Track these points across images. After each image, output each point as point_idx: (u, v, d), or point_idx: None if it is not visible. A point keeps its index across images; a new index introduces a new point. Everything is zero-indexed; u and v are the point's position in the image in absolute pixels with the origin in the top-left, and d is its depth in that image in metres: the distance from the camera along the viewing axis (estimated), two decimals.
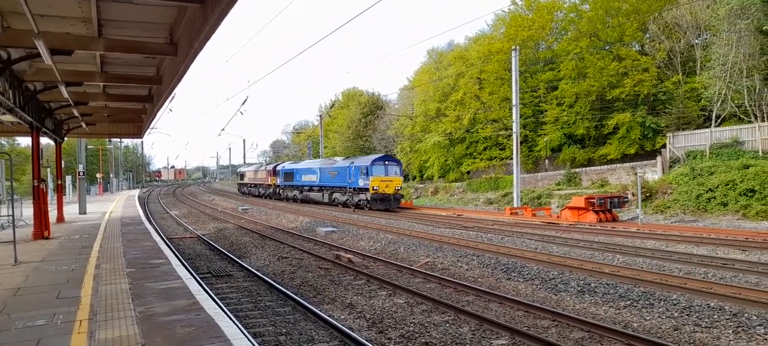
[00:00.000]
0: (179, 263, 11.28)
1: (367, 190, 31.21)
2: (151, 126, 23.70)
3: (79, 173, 28.42)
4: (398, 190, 31.79)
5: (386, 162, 32.11)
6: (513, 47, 30.83)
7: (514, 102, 29.78)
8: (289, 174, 43.62)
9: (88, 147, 55.18)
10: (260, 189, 52.32)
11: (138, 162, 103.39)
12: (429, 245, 16.69)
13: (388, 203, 31.12)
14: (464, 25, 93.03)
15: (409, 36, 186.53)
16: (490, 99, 41.73)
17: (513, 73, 29.75)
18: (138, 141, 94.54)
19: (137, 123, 22.54)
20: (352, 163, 33.48)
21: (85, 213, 26.15)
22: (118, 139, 65.12)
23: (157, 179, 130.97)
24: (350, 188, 33.30)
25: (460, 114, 44.15)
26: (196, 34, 7.79)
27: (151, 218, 29.19)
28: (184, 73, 10.31)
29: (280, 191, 45.79)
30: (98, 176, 59.51)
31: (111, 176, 65.51)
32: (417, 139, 50.08)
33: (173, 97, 22.59)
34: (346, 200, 34.05)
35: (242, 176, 62.00)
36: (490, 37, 45.84)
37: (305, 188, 40.54)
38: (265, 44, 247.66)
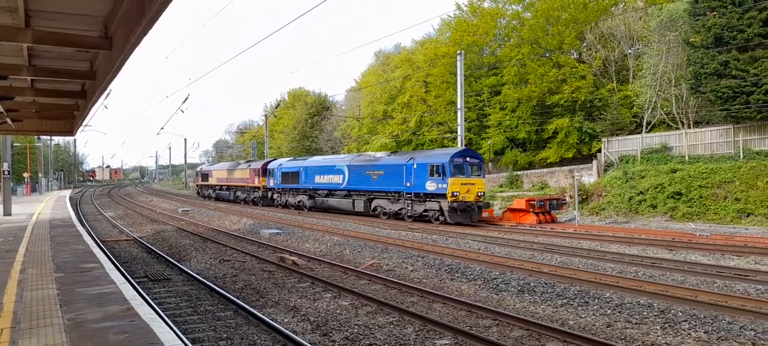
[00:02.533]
0: (113, 266, 10.79)
1: (440, 197, 23.18)
2: (84, 123, 22.57)
3: (3, 172, 26.68)
4: (480, 196, 23.70)
5: (467, 158, 23.94)
6: (458, 52, 31.39)
7: (459, 105, 30.31)
8: (292, 174, 34.44)
9: (15, 144, 51.93)
10: (239, 193, 42.61)
11: (70, 161, 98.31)
12: (374, 247, 16.71)
13: (470, 214, 23.14)
14: (411, 28, 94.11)
15: (355, 37, 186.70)
16: (436, 102, 42.31)
17: (458, 77, 30.29)
18: (70, 139, 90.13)
19: (69, 120, 21.41)
20: (412, 159, 24.77)
21: (10, 215, 24.63)
22: (48, 137, 61.78)
23: (92, 178, 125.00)
24: (408, 194, 24.84)
25: (407, 116, 44.54)
26: (133, 28, 7.47)
27: (83, 219, 27.80)
28: (120, 68, 9.87)
29: (275, 195, 36.70)
30: (25, 175, 56.07)
31: (40, 175, 61.94)
32: (364, 141, 50.13)
33: (109, 93, 21.63)
34: (400, 209, 25.59)
35: (206, 175, 50.81)
36: (436, 41, 46.50)
37: (321, 192, 31.54)
38: (208, 41, 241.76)
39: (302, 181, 33.16)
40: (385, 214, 26.67)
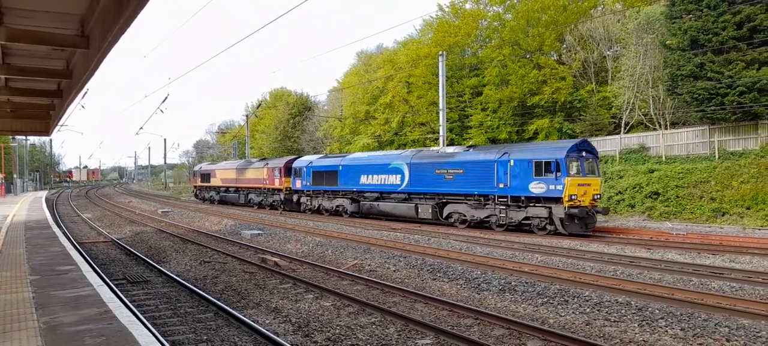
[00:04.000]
0: (90, 269, 10.60)
1: (551, 201, 18.92)
2: (60, 123, 22.22)
3: None
4: (597, 199, 19.47)
5: (584, 152, 19.61)
6: (440, 53, 31.51)
7: (441, 106, 30.43)
8: (327, 173, 29.47)
9: None
10: (252, 195, 37.95)
11: (46, 161, 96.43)
12: (357, 247, 16.70)
13: (586, 221, 18.94)
14: (393, 29, 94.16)
15: (338, 37, 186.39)
16: (418, 103, 42.41)
17: (440, 78, 30.41)
18: (46, 139, 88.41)
19: (45, 119, 21.03)
20: (507, 154, 20.29)
21: None
22: (24, 137, 60.56)
23: (68, 179, 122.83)
24: (501, 198, 20.36)
25: (389, 117, 44.58)
26: (111, 26, 7.37)
27: (59, 221, 27.29)
28: (98, 67, 9.72)
29: (304, 198, 31.91)
30: None
31: (15, 176, 60.64)
32: (346, 141, 50.04)
33: (86, 92, 21.29)
34: (488, 217, 21.06)
35: (207, 175, 45.55)
36: (418, 41, 46.60)
37: (368, 194, 26.80)
38: (187, 40, 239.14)
39: (342, 182, 28.24)
40: (464, 222, 22.13)
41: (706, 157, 26.05)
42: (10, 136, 57.18)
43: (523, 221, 20.04)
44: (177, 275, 13.01)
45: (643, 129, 30.67)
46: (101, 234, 23.25)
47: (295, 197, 32.94)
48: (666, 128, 28.93)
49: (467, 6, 42.90)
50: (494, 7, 41.61)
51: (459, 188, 21.96)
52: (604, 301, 9.76)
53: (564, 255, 14.95)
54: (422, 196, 23.81)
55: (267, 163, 36.51)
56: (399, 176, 24.70)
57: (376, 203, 26.21)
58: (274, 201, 35.18)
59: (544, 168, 19.04)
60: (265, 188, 36.04)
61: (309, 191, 31.17)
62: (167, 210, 35.61)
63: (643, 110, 29.97)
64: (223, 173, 42.69)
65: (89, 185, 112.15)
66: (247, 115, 60.11)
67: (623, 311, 9.22)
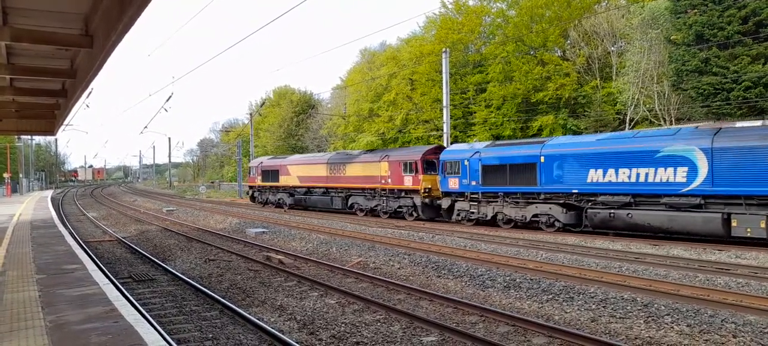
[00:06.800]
0: (96, 267, 10.65)
1: None
2: (65, 122, 22.29)
3: None
4: None
5: None
6: (443, 49, 31.45)
7: (444, 103, 30.37)
8: (514, 168, 20.20)
9: None
10: (358, 198, 28.40)
11: (51, 161, 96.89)
12: (361, 245, 16.69)
13: None
14: (396, 26, 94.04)
15: (341, 35, 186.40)
16: (421, 100, 42.37)
17: (444, 75, 30.34)
18: (51, 139, 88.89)
19: (50, 119, 21.08)
20: None
21: None
22: (29, 137, 60.85)
23: (74, 179, 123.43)
24: None
25: (393, 114, 44.56)
26: (114, 25, 7.38)
27: (65, 220, 27.40)
28: (101, 66, 9.75)
29: (466, 203, 22.22)
30: (5, 175, 55.14)
31: (20, 176, 60.96)
32: (350, 139, 50.05)
33: (90, 92, 21.37)
34: None
35: (274, 172, 35.39)
36: (421, 38, 46.56)
37: (608, 198, 17.50)
38: (191, 39, 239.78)
39: (545, 179, 19.21)
40: None
41: None
42: (16, 136, 57.45)
43: None
44: (182, 274, 13.05)
45: (648, 125, 30.52)
46: (107, 233, 23.34)
47: (445, 202, 23.38)
48: (671, 124, 28.78)
49: (470, 2, 42.87)
50: (497, 4, 41.52)
51: None
52: (609, 297, 9.73)
53: (569, 252, 14.91)
54: (742, 201, 14.89)
55: (387, 156, 26.62)
56: (683, 170, 15.82)
57: (621, 212, 17.14)
58: (400, 207, 25.81)
59: None
60: (383, 189, 26.64)
61: (476, 193, 21.65)
62: (172, 209, 35.71)
63: (648, 106, 29.84)
64: (303, 168, 32.81)
65: (94, 184, 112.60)
66: (251, 114, 60.16)
67: (629, 308, 9.18)
